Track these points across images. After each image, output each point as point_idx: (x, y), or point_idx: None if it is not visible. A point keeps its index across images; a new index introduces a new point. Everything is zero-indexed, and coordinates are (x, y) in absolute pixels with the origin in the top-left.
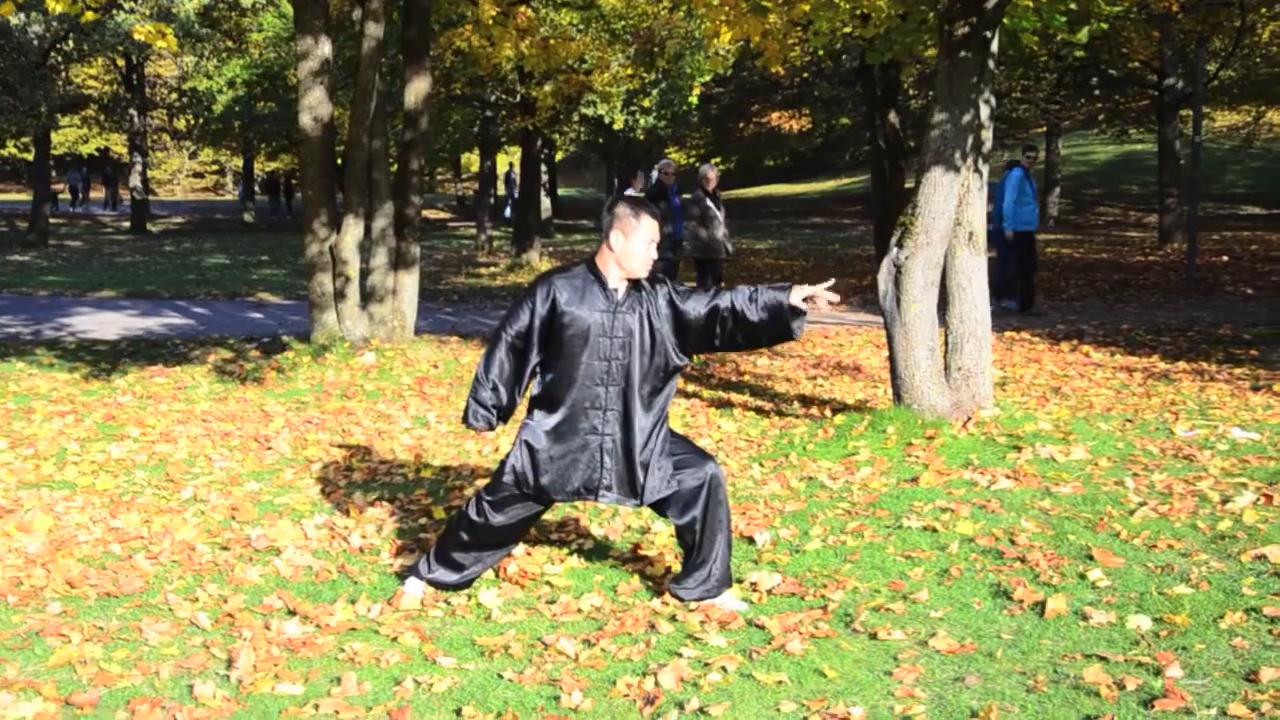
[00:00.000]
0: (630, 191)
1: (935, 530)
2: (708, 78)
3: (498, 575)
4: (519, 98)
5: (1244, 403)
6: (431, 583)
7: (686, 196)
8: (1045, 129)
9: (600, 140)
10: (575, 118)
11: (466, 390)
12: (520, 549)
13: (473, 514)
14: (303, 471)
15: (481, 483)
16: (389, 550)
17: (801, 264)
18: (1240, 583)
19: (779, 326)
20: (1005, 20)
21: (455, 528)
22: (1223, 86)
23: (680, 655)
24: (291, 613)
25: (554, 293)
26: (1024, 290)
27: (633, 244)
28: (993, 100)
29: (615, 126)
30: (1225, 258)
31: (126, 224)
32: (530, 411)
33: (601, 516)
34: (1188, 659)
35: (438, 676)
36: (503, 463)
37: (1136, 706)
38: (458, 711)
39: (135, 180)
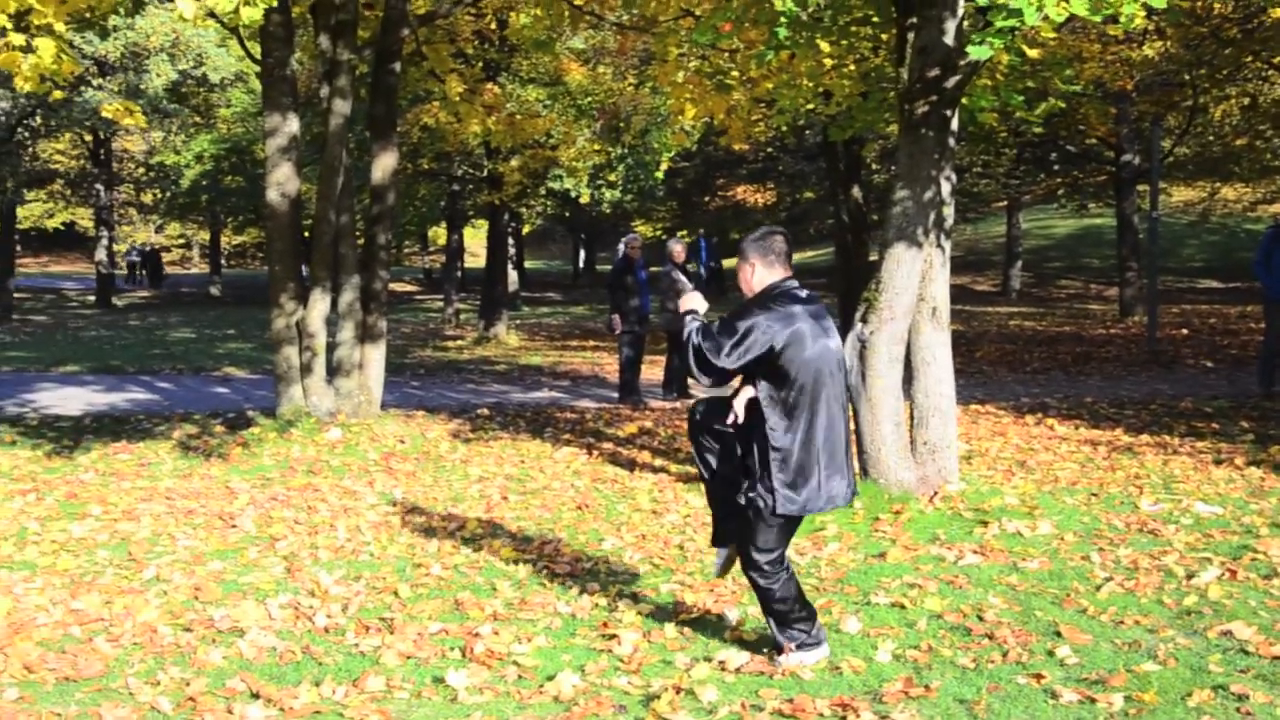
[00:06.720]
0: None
1: (903, 606)
2: (673, 153)
3: (464, 655)
4: (486, 172)
5: (1206, 476)
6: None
7: (655, 270)
8: (1006, 203)
9: (567, 213)
10: (542, 191)
11: (432, 465)
12: (488, 627)
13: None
14: (267, 550)
15: (453, 558)
16: (354, 630)
17: None
18: (1207, 659)
19: None
20: (964, 99)
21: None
22: (1178, 163)
23: None
24: (255, 695)
25: None
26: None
27: None
28: (954, 177)
29: (582, 200)
30: (1185, 331)
31: (91, 298)
32: None
33: (569, 594)
34: None
35: None
36: None
37: None
38: None
39: (101, 254)
